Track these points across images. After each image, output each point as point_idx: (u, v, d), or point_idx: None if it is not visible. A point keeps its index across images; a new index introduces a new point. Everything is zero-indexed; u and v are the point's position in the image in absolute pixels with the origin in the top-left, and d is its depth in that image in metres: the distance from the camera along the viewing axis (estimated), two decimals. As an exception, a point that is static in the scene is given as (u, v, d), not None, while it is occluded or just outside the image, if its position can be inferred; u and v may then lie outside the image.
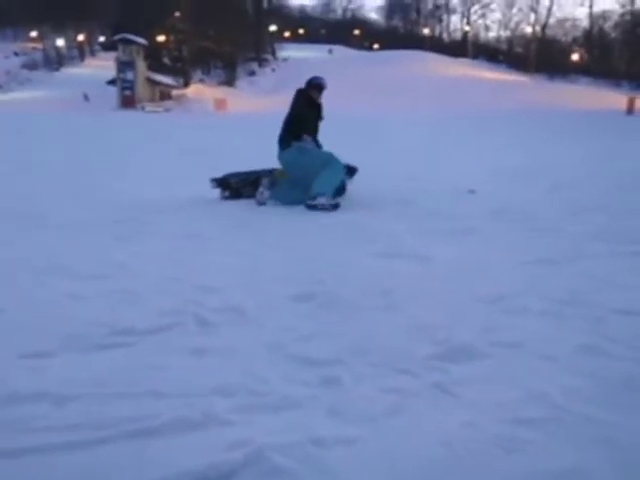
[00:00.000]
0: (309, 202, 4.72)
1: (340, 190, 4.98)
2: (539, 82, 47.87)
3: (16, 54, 58.43)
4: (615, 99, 36.11)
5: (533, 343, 2.09)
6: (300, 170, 4.93)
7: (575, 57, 52.06)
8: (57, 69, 53.83)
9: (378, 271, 3.01)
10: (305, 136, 4.99)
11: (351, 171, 5.26)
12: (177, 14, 45.75)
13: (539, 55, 53.56)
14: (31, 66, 54.20)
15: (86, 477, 1.37)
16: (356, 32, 74.86)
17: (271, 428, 1.55)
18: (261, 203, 4.95)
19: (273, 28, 57.37)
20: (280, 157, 5.09)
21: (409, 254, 3.31)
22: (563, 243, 3.56)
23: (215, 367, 1.93)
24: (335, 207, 4.67)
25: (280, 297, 2.61)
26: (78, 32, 57.36)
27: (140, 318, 2.35)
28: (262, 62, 54.62)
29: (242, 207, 4.82)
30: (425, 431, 1.54)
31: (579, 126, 17.53)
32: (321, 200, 4.69)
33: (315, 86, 5.24)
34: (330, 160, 4.87)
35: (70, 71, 52.88)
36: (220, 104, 35.41)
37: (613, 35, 55.71)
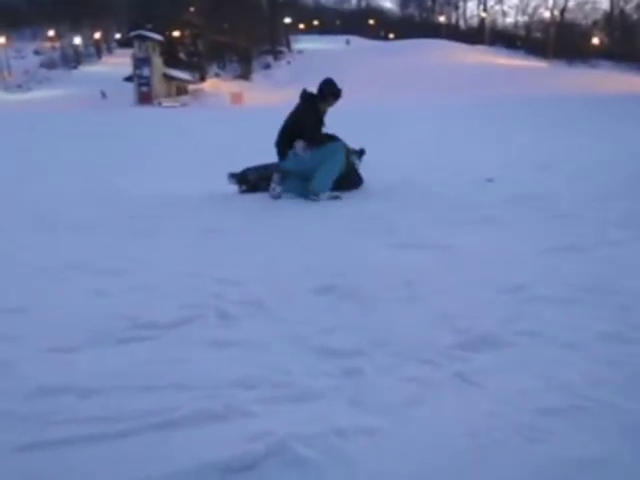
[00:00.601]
0: (311, 197, 4.75)
1: (345, 181, 4.97)
2: (558, 67, 47.13)
3: (36, 53, 59.19)
4: (638, 82, 35.41)
5: (555, 331, 2.07)
6: (305, 166, 4.87)
7: (595, 41, 51.08)
8: (75, 67, 54.38)
9: (398, 262, 3.00)
10: (297, 142, 4.88)
11: (359, 153, 5.21)
12: (192, 9, 45.85)
13: (558, 40, 52.65)
14: (49, 65, 54.83)
15: (110, 469, 1.39)
16: (371, 22, 74.34)
17: (293, 419, 1.56)
18: (275, 198, 4.94)
19: (288, 20, 57.19)
20: (283, 166, 5.01)
21: (429, 244, 3.29)
22: (585, 229, 3.51)
23: (237, 359, 1.95)
24: (336, 198, 4.73)
25: (300, 290, 2.62)
26: (94, 30, 57.82)
27: (161, 312, 2.37)
28: (277, 55, 54.54)
29: (259, 201, 4.83)
30: (447, 421, 1.53)
31: (600, 111, 17.23)
32: (322, 197, 4.72)
33: (332, 94, 5.00)
34: (329, 154, 4.81)
35: (88, 69, 53.38)
36: (236, 98, 35.51)
37: (635, 17, 54.53)
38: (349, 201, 4.69)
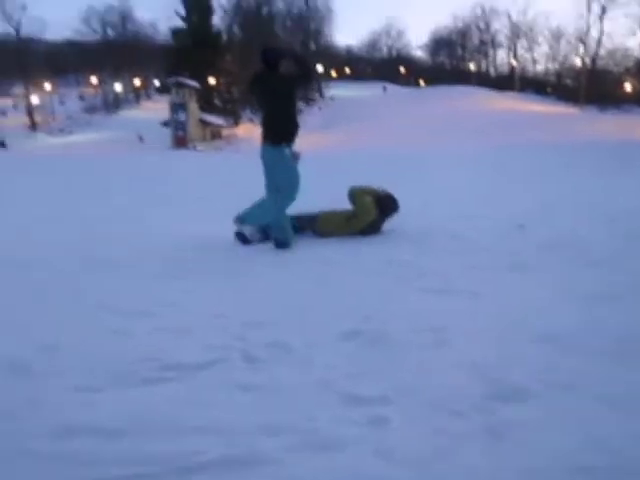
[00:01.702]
0: (235, 221, 4.77)
1: (383, 206, 4.98)
2: (590, 113, 46.98)
3: (81, 98, 61.89)
4: (672, 129, 34.99)
5: (591, 384, 1.99)
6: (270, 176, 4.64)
7: (628, 87, 50.90)
8: (115, 112, 56.46)
9: (427, 307, 2.95)
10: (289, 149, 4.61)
11: (387, 207, 5.13)
12: (228, 57, 47.46)
13: (590, 86, 52.68)
14: (91, 110, 57.14)
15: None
16: (402, 69, 75.74)
17: (318, 468, 1.52)
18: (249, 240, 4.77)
19: (320, 68, 58.67)
20: (277, 153, 4.57)
21: (460, 290, 3.24)
22: (621, 278, 3.42)
23: (262, 404, 1.92)
24: (262, 240, 4.72)
25: (327, 333, 2.59)
26: (134, 77, 60.22)
27: (187, 353, 2.37)
28: (309, 101, 55.77)
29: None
30: (478, 479, 1.47)
31: (633, 157, 17.02)
32: (246, 229, 4.77)
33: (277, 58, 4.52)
34: (287, 187, 4.58)
35: (127, 114, 55.36)
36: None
37: (668, 64, 54.35)
38: (379, 245, 4.68)
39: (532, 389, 1.96)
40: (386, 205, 5.07)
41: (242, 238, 4.79)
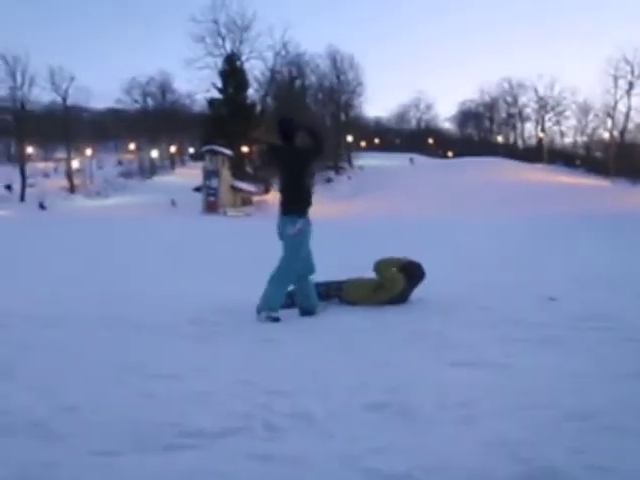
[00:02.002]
0: (265, 316, 4.41)
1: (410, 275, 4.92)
2: (621, 186, 46.77)
3: (120, 163, 64.49)
4: None
5: (628, 467, 1.88)
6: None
7: (657, 161, 50.76)
8: (150, 177, 58.35)
9: (455, 381, 2.87)
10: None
11: (413, 274, 5.04)
12: (261, 127, 49.11)
13: (619, 159, 52.71)
14: (127, 175, 59.17)
15: None
16: (430, 141, 77.12)
17: None
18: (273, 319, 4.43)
19: (350, 138, 60.14)
20: (289, 223, 4.57)
21: (489, 363, 3.15)
22: (658, 356, 3.28)
23: (281, 477, 1.86)
24: (275, 320, 4.37)
25: (352, 405, 2.53)
26: (170, 144, 62.54)
27: (210, 420, 2.33)
28: (339, 170, 56.88)
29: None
30: None
31: (668, 231, 16.73)
32: (262, 315, 4.41)
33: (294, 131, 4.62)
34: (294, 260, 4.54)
35: (161, 179, 57.12)
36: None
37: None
38: (405, 314, 4.62)
39: (566, 471, 1.86)
40: (412, 272, 5.03)
41: (274, 319, 4.44)
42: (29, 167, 52.64)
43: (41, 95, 57.63)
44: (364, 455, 2.01)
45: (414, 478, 1.84)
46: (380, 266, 5.03)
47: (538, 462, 1.92)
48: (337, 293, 5.07)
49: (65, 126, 55.07)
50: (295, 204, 4.61)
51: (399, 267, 5.02)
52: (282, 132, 4.61)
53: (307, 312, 4.62)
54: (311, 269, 4.74)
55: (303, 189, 4.67)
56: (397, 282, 4.93)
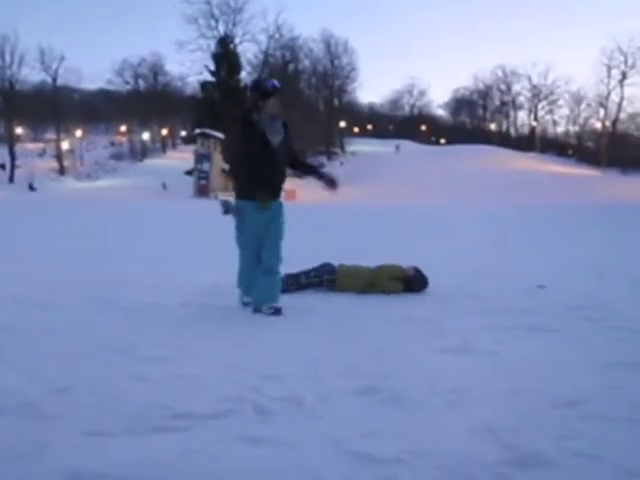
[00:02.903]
0: (260, 308, 4.11)
1: (411, 283, 4.82)
2: (612, 176, 47.03)
3: (112, 144, 63.98)
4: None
5: (613, 455, 1.91)
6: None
7: (649, 151, 51.02)
8: (140, 160, 57.93)
9: (446, 368, 2.89)
10: (259, 194, 3.99)
11: (416, 286, 4.94)
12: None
13: (611, 149, 52.94)
14: (118, 157, 58.74)
15: None
16: (423, 128, 77.00)
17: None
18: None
19: (342, 124, 59.92)
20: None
21: (479, 350, 3.18)
22: (644, 345, 3.33)
23: (271, 459, 1.88)
24: (277, 312, 4.06)
25: (342, 389, 2.55)
26: (162, 127, 62.05)
27: (200, 403, 2.34)
28: (331, 156, 56.74)
29: (306, 297, 4.84)
30: None
31: (657, 221, 16.88)
32: (265, 310, 4.09)
33: (261, 93, 3.97)
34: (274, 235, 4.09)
35: (152, 162, 56.73)
36: (289, 194, 36.68)
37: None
38: (398, 301, 4.64)
39: (551, 456, 1.89)
40: (415, 285, 4.94)
41: (276, 311, 4.12)
42: (18, 148, 52.07)
43: (30, 75, 57.03)
44: (354, 439, 2.03)
45: (403, 461, 1.86)
46: (382, 274, 4.93)
47: (524, 448, 1.95)
48: (328, 282, 5.02)
49: (55, 106, 54.47)
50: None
51: (402, 279, 4.92)
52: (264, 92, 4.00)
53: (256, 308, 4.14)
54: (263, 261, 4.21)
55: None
56: (395, 290, 4.89)
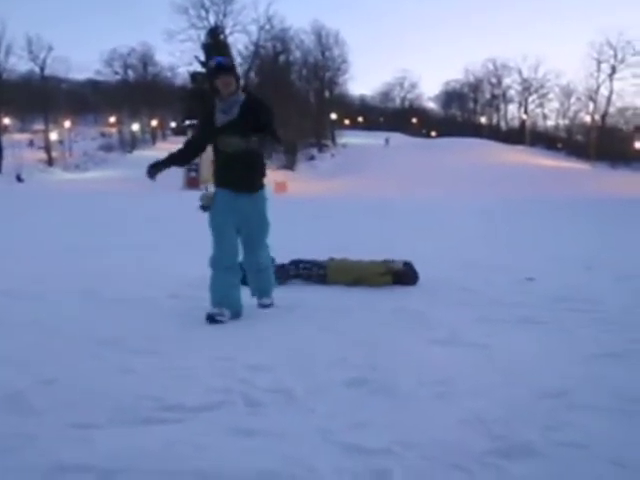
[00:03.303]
0: (262, 303, 4.03)
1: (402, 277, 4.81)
2: (601, 170, 47.32)
3: (103, 135, 63.43)
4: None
5: (600, 445, 1.93)
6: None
7: (638, 145, 51.35)
8: (130, 151, 57.48)
9: (435, 359, 2.91)
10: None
11: (405, 279, 4.90)
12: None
13: (600, 143, 53.25)
14: (107, 148, 58.24)
15: None
16: (414, 120, 77.00)
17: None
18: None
19: (333, 116, 59.77)
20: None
21: (467, 342, 3.20)
22: (633, 335, 3.36)
23: (261, 450, 1.88)
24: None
25: (332, 381, 2.55)
26: (152, 118, 61.57)
27: (189, 395, 2.34)
28: (322, 147, 56.61)
29: (295, 289, 4.84)
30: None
31: (645, 215, 17.03)
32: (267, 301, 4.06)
33: (210, 74, 3.75)
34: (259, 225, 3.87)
35: (142, 153, 56.24)
36: (280, 187, 36.60)
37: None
38: (388, 293, 4.65)
39: (539, 447, 1.91)
40: (405, 279, 4.92)
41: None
42: (6, 138, 51.48)
43: (18, 64, 56.04)
44: (343, 430, 2.03)
45: (392, 452, 1.87)
46: (372, 269, 4.92)
47: (512, 438, 1.97)
48: (318, 275, 4.99)
49: (43, 97, 53.85)
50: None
51: (392, 274, 4.90)
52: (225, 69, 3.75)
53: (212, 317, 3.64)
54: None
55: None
56: (383, 283, 4.87)
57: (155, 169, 3.96)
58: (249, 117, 3.64)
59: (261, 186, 3.94)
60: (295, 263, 5.06)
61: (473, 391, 2.44)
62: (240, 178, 3.77)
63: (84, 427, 2.03)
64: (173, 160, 4.03)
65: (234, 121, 3.68)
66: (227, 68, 3.76)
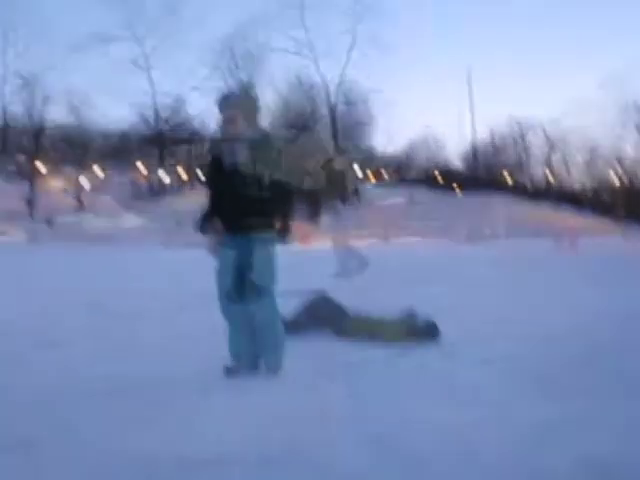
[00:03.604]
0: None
1: (418, 331, 4.64)
2: (630, 230, 46.62)
3: (132, 183, 65.34)
4: None
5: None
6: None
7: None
8: (159, 199, 58.63)
9: (456, 422, 2.80)
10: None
11: (425, 335, 4.68)
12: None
13: (628, 204, 52.74)
14: (137, 196, 59.56)
15: None
16: (437, 176, 77.50)
17: None
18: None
19: (359, 172, 60.42)
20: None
21: (491, 404, 3.08)
22: None
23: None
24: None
25: (344, 441, 2.48)
26: (179, 166, 62.99)
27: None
28: (346, 201, 56.99)
29: (306, 341, 4.75)
30: None
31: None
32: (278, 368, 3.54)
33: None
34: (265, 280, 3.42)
35: (170, 201, 57.41)
36: (304, 238, 36.79)
37: None
38: (406, 350, 4.55)
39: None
40: (424, 334, 4.72)
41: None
42: (40, 183, 53.00)
43: (55, 114, 58.20)
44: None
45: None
46: (391, 325, 4.77)
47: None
48: (332, 327, 4.84)
49: (79, 146, 55.71)
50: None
51: (408, 328, 4.72)
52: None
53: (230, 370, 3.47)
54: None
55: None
56: (403, 340, 4.67)
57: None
58: (263, 157, 3.29)
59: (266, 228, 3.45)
60: (307, 311, 4.96)
61: (498, 455, 2.33)
62: (240, 220, 3.43)
63: None
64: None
65: (251, 163, 3.29)
66: (231, 102, 3.33)
